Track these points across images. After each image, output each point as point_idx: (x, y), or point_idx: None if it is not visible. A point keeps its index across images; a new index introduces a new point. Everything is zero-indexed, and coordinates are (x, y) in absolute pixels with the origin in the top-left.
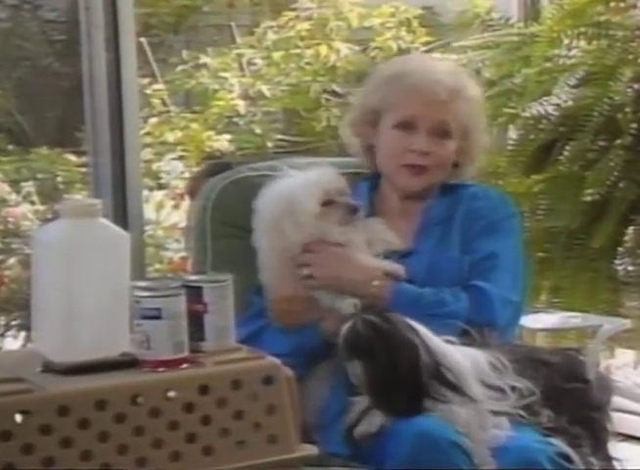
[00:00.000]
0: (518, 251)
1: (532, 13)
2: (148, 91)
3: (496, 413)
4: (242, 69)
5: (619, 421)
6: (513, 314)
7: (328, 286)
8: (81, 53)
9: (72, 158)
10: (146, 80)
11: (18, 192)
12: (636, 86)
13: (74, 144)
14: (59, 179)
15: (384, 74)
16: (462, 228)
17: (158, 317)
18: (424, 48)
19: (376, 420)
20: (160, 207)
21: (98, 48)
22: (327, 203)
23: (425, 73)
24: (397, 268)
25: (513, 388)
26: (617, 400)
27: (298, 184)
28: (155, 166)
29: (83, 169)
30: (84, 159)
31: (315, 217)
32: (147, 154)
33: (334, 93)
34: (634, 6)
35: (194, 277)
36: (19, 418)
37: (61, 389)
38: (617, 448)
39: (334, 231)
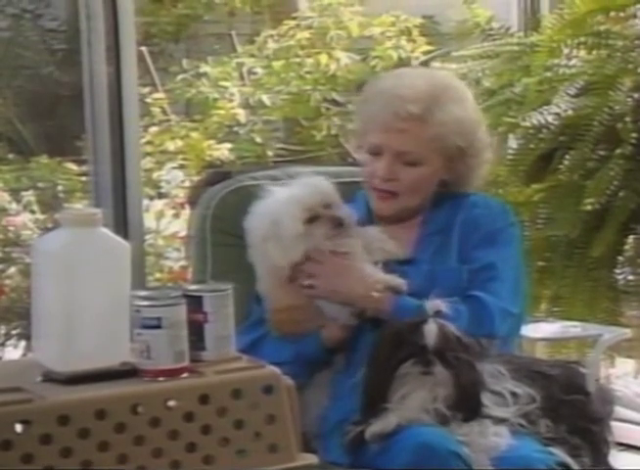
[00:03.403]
0: (517, 261)
1: (532, 22)
2: (148, 100)
3: (496, 421)
4: (242, 77)
5: (620, 431)
6: (513, 326)
7: (328, 297)
8: (82, 62)
9: (73, 166)
10: (146, 89)
11: (18, 201)
12: (636, 96)
13: (75, 153)
14: (59, 188)
15: (365, 93)
16: (461, 237)
17: (158, 327)
18: (424, 57)
19: (392, 420)
20: (160, 216)
21: (98, 57)
22: (311, 219)
23: (388, 98)
24: (399, 283)
25: (513, 394)
26: (617, 410)
27: (281, 204)
28: (155, 175)
29: (84, 178)
30: (84, 167)
31: (300, 237)
32: (147, 163)
33: (334, 102)
34: (634, 16)
35: (194, 286)
36: (19, 428)
37: (61, 398)
38: (617, 458)
39: (322, 247)
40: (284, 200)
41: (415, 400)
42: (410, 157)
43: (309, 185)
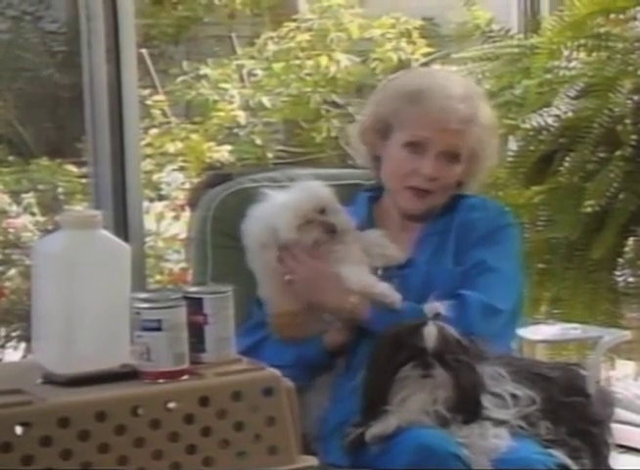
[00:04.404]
0: (511, 260)
1: (532, 24)
2: (148, 102)
3: (497, 422)
4: (242, 79)
5: (620, 433)
6: (502, 324)
7: (304, 297)
8: (82, 64)
9: (73, 168)
10: (146, 91)
11: (18, 203)
12: (636, 98)
13: (75, 155)
14: (59, 190)
15: (399, 88)
16: (457, 239)
17: (158, 329)
18: (424, 59)
19: (392, 422)
20: (160, 218)
21: (98, 59)
22: (305, 224)
23: (442, 98)
24: (393, 301)
25: (513, 396)
26: (617, 412)
27: (276, 209)
28: (155, 177)
29: (84, 180)
30: (85, 169)
31: (294, 242)
32: (147, 165)
33: (334, 104)
34: (634, 18)
35: (194, 288)
36: (19, 430)
37: (61, 400)
38: (617, 460)
39: (313, 251)
40: (279, 205)
41: (415, 403)
42: (456, 151)
43: (306, 190)
